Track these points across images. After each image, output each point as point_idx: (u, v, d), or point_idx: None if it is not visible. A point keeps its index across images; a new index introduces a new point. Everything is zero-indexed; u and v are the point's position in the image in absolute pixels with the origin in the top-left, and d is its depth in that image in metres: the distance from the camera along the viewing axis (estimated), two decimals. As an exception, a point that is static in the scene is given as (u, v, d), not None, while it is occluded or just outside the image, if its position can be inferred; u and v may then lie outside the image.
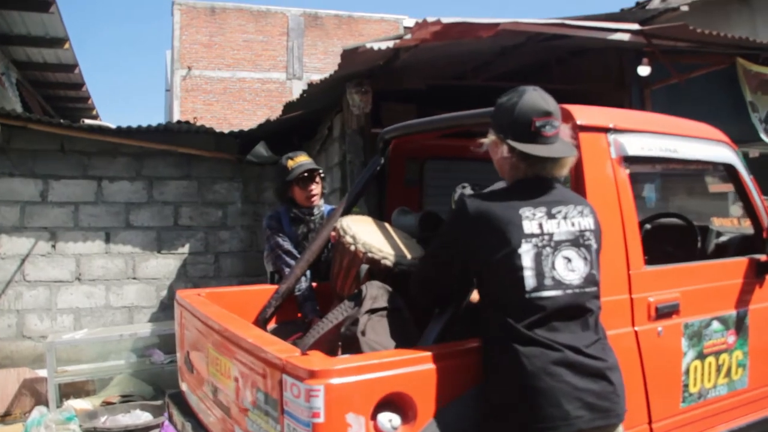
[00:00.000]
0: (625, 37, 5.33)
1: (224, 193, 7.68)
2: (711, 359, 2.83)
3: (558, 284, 2.01)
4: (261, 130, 7.31)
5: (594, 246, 2.11)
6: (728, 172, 3.23)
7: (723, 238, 3.76)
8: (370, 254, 2.83)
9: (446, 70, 6.51)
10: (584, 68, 6.98)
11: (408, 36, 4.79)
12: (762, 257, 3.15)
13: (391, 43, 4.98)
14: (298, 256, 3.56)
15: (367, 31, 25.17)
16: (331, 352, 2.43)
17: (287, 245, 3.74)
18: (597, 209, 2.21)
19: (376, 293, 2.74)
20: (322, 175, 3.85)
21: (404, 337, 2.58)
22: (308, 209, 3.85)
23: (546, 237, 2.04)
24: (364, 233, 2.92)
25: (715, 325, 2.88)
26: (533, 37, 5.88)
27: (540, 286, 2.00)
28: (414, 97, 6.67)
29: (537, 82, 2.30)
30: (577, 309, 2.02)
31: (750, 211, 3.25)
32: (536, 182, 2.13)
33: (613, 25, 5.25)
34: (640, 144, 2.71)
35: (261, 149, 7.07)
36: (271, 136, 7.26)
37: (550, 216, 2.07)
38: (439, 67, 6.33)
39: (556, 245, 2.05)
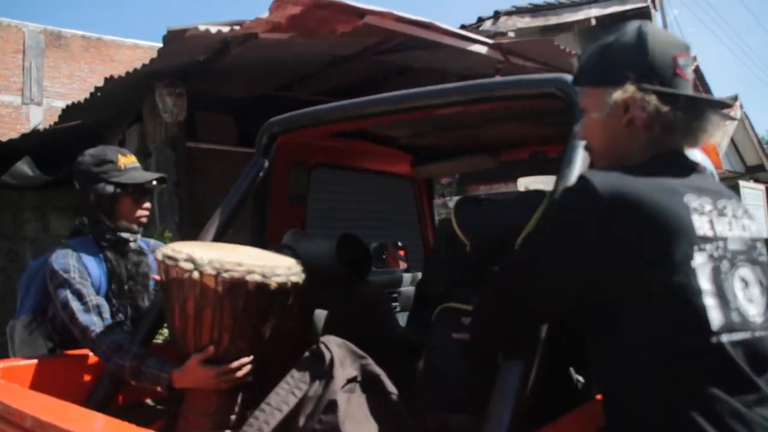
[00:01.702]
0: (483, 49, 4.87)
1: (-37, 227, 5.72)
2: None
3: (744, 322, 1.20)
4: (26, 143, 5.57)
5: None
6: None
7: None
8: (228, 273, 1.72)
9: (270, 79, 5.56)
10: (410, 87, 6.51)
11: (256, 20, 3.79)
12: None
13: (227, 28, 3.93)
14: (107, 315, 2.15)
15: (119, 56, 22.73)
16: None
17: (96, 299, 2.18)
18: None
19: (341, 354, 1.72)
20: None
21: (396, 429, 1.62)
22: (135, 232, 2.41)
23: (720, 244, 1.22)
24: (209, 251, 1.83)
25: None
26: (370, 47, 5.30)
27: (729, 323, 1.17)
28: (232, 108, 5.59)
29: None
30: (763, 363, 1.22)
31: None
32: (679, 161, 1.32)
33: (473, 36, 4.78)
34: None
35: (24, 167, 5.34)
36: (38, 150, 5.55)
37: (720, 213, 1.26)
38: (262, 75, 5.40)
39: (732, 258, 1.23)
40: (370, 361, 1.78)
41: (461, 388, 1.95)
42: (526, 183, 3.35)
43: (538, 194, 2.08)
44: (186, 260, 1.73)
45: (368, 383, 1.73)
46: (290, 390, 1.64)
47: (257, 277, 1.74)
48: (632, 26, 1.34)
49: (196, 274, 1.72)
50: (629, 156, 1.32)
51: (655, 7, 8.70)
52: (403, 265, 4.54)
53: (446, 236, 2.27)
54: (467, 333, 1.70)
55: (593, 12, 7.49)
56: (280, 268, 1.81)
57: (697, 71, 10.96)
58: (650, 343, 1.17)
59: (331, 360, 1.69)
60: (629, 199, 1.17)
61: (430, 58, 5.30)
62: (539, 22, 6.73)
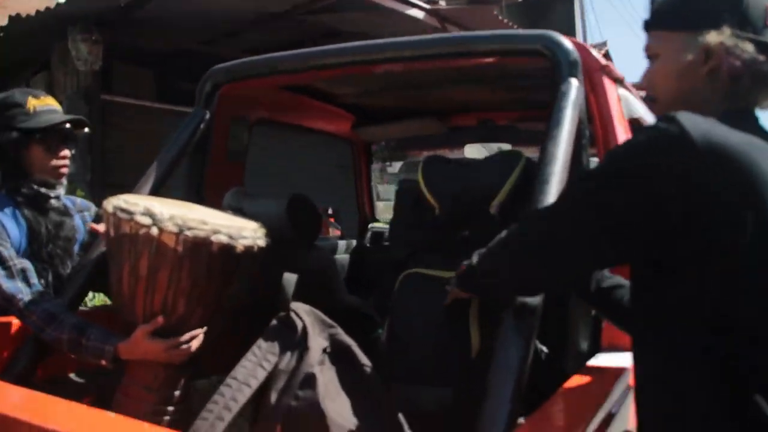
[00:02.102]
0: (420, 15, 4.73)
1: None
2: None
3: None
4: None
5: None
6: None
7: None
8: (191, 232, 1.53)
9: (194, 33, 5.22)
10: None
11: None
12: None
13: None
14: (35, 281, 1.87)
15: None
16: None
17: (20, 262, 1.88)
18: None
19: (310, 322, 1.57)
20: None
21: (372, 404, 1.50)
22: (52, 186, 2.09)
23: None
24: (167, 206, 1.63)
25: None
26: (300, 5, 5.06)
27: None
28: (152, 61, 5.21)
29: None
30: None
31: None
32: (754, 119, 1.22)
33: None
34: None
35: None
36: None
37: None
38: (186, 29, 5.07)
39: None
40: (339, 331, 1.64)
41: (429, 358, 1.84)
42: (471, 151, 3.27)
43: (512, 156, 1.99)
44: (144, 214, 1.52)
45: (338, 354, 1.58)
46: (258, 362, 1.46)
47: (223, 238, 1.56)
48: None
49: (154, 231, 1.52)
50: (704, 109, 1.19)
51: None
52: (336, 232, 4.39)
53: (411, 198, 2.14)
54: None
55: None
56: (246, 230, 1.64)
57: (607, 56, 11.26)
58: (720, 312, 1.04)
59: (304, 329, 1.53)
60: (728, 151, 1.03)
61: (362, 21, 5.12)
62: (464, -6, 6.66)
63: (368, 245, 3.46)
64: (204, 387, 1.81)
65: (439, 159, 2.10)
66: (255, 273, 1.70)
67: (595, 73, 1.87)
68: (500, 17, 4.98)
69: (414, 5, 4.66)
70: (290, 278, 1.59)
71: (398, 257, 2.07)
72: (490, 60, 2.02)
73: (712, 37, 1.15)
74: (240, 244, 1.59)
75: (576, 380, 1.39)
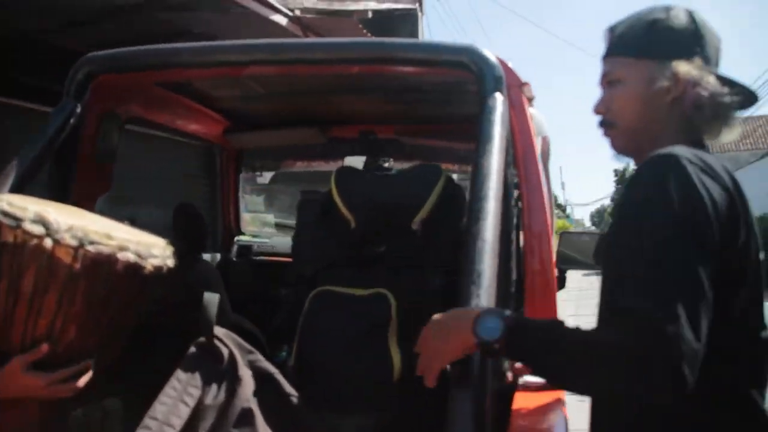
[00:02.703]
0: (283, 21, 4.58)
1: None
2: None
3: None
4: None
5: None
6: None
7: None
8: (93, 247, 1.31)
9: (34, 20, 4.65)
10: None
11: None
12: None
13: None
14: None
15: None
16: None
17: None
18: None
19: (235, 347, 1.39)
20: None
21: None
22: None
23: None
24: (62, 214, 1.38)
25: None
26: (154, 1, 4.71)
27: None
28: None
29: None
30: None
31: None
32: (707, 151, 1.25)
33: (277, 4, 4.46)
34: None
35: None
36: None
37: None
38: (25, 14, 4.50)
39: None
40: (259, 356, 1.47)
41: (347, 383, 1.72)
42: (352, 162, 3.17)
43: (433, 171, 1.92)
44: (35, 222, 1.28)
45: (262, 383, 1.41)
46: (178, 398, 1.26)
47: (130, 257, 1.34)
48: (679, 8, 1.27)
49: (47, 243, 1.28)
50: (663, 138, 1.21)
51: (422, 11, 9.15)
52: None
53: (320, 210, 2.01)
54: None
55: (371, 5, 7.56)
56: (156, 247, 1.43)
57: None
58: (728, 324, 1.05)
59: (231, 357, 1.34)
60: (716, 191, 1.05)
61: (220, 23, 4.85)
62: (324, 5, 6.58)
63: (235, 259, 3.24)
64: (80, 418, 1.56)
65: (353, 169, 1.98)
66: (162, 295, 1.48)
67: (515, 90, 1.86)
68: (364, 30, 4.96)
69: (278, 10, 4.49)
70: (211, 298, 1.39)
71: (305, 273, 1.92)
72: (391, 70, 1.96)
73: (683, 67, 1.20)
74: (149, 264, 1.38)
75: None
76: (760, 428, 1.08)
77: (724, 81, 1.21)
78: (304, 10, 5.80)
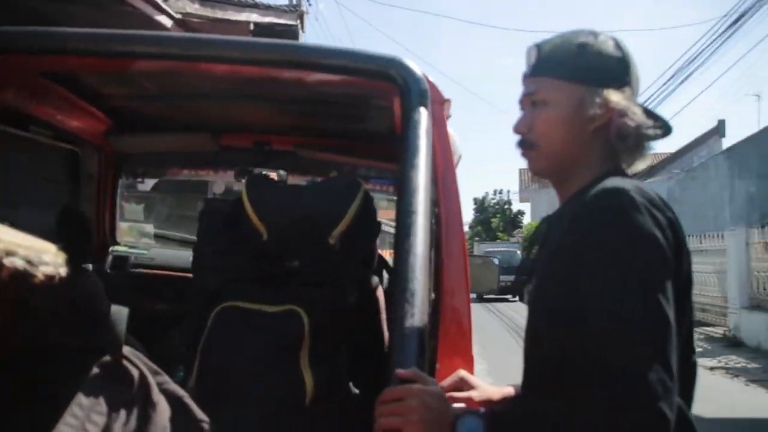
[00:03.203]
0: (168, 23, 4.36)
1: None
2: None
3: None
4: None
5: None
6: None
7: None
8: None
9: None
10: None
11: None
12: None
13: None
14: None
15: None
16: None
17: None
18: None
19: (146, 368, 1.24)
20: None
21: None
22: None
23: None
24: None
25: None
26: None
27: None
28: None
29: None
30: None
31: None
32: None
33: (164, 6, 4.24)
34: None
35: None
36: None
37: None
38: None
39: None
40: (167, 378, 1.31)
41: (256, 406, 1.59)
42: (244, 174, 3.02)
43: (351, 184, 1.84)
44: None
45: (171, 408, 1.26)
46: (80, 426, 1.08)
47: (19, 263, 1.14)
48: (607, 36, 1.27)
49: None
50: (584, 163, 1.23)
51: (303, 28, 9.08)
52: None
53: (227, 220, 1.86)
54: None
55: (254, 17, 7.42)
56: (48, 253, 1.22)
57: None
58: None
59: (143, 379, 1.19)
60: (666, 221, 1.08)
61: (96, 19, 4.54)
62: (207, 12, 6.37)
63: (109, 271, 2.98)
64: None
65: (266, 179, 1.87)
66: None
67: (437, 106, 1.83)
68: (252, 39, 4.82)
69: (164, 11, 4.27)
70: (120, 312, 1.23)
71: (208, 287, 1.77)
72: (303, 77, 1.88)
73: (614, 96, 1.20)
74: (40, 273, 1.20)
75: None
76: None
77: (647, 112, 1.24)
78: (186, 15, 5.58)
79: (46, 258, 1.21)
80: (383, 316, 1.93)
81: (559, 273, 1.11)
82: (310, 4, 10.21)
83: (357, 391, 1.78)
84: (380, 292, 1.95)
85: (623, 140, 1.20)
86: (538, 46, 1.27)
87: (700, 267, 12.07)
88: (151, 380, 1.20)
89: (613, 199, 1.06)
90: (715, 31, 13.03)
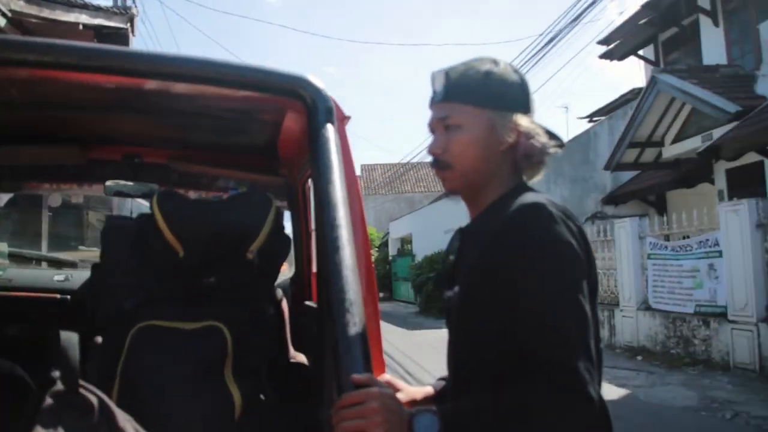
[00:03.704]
0: (2, 22, 4.02)
1: None
2: None
3: None
4: None
5: None
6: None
7: None
8: None
9: None
10: None
11: None
12: None
13: None
14: None
15: None
16: None
17: None
18: None
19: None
20: None
21: None
22: None
23: None
24: None
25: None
26: None
27: None
28: None
29: None
30: None
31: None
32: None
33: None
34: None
35: None
36: None
37: None
38: None
39: None
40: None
41: (185, 424, 1.57)
42: (113, 187, 2.86)
43: (263, 199, 1.86)
44: None
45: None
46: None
47: None
48: (505, 63, 1.39)
49: None
50: (495, 180, 1.35)
51: (133, 32, 8.64)
52: None
53: (135, 238, 1.80)
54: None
55: (83, 18, 6.97)
56: None
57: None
58: None
59: (103, 407, 1.15)
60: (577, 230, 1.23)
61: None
62: (33, 10, 5.88)
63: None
64: None
65: (177, 195, 1.83)
66: None
67: (340, 124, 1.90)
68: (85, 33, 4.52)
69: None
70: (70, 338, 1.19)
71: (119, 308, 1.71)
72: (193, 91, 1.88)
73: (523, 121, 1.34)
74: None
75: None
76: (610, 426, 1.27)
77: (548, 133, 1.39)
78: (14, 12, 5.15)
79: None
80: (287, 327, 1.97)
81: (489, 280, 1.22)
82: (136, 5, 9.72)
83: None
84: (285, 305, 1.99)
85: (529, 158, 1.34)
86: (446, 73, 1.36)
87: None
88: (114, 407, 1.17)
89: (535, 213, 1.21)
90: (531, 49, 14.24)
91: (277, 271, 1.91)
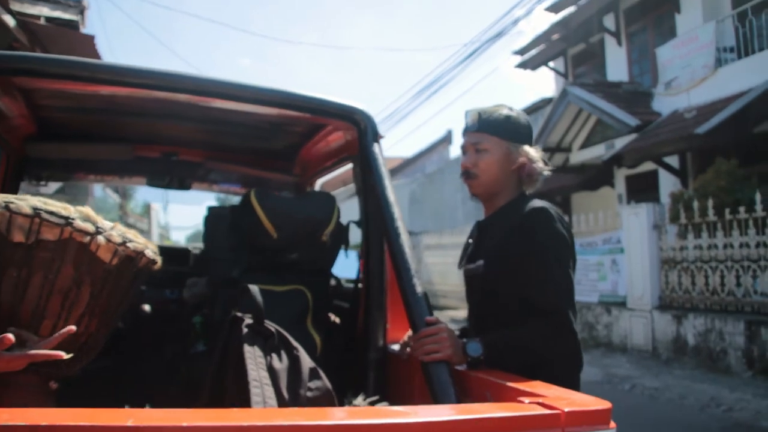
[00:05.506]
0: (12, 22, 4.35)
1: None
2: None
3: None
4: None
5: None
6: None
7: None
8: (132, 245, 1.46)
9: None
10: None
11: None
12: None
13: None
14: None
15: None
16: None
17: None
18: None
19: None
20: None
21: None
22: None
23: None
24: (76, 210, 1.41)
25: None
26: None
27: None
28: None
29: None
30: None
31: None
32: None
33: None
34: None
35: None
36: None
37: None
38: None
39: None
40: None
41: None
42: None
43: (328, 196, 2.47)
44: (85, 220, 1.36)
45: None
46: (255, 364, 1.62)
47: (150, 254, 1.51)
48: (518, 110, 1.99)
49: (101, 240, 1.37)
50: (506, 190, 1.96)
51: (83, 23, 8.82)
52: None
53: (231, 222, 2.37)
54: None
55: (45, 11, 7.14)
56: (150, 245, 1.54)
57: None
58: None
59: (281, 335, 1.74)
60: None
61: None
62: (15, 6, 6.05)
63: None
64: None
65: (269, 192, 2.41)
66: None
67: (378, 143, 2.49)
68: (97, 49, 4.88)
69: (10, 11, 4.23)
70: (255, 289, 1.77)
71: (228, 275, 2.28)
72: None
73: (529, 150, 1.95)
74: (160, 261, 1.57)
75: None
76: None
77: (542, 160, 2.00)
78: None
79: (154, 249, 1.55)
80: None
81: (510, 256, 1.86)
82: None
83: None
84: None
85: (530, 177, 1.97)
86: (479, 113, 1.98)
87: (441, 260, 13.91)
88: (287, 334, 1.76)
89: (542, 214, 1.85)
90: (457, 57, 15.05)
91: (339, 250, 2.52)
